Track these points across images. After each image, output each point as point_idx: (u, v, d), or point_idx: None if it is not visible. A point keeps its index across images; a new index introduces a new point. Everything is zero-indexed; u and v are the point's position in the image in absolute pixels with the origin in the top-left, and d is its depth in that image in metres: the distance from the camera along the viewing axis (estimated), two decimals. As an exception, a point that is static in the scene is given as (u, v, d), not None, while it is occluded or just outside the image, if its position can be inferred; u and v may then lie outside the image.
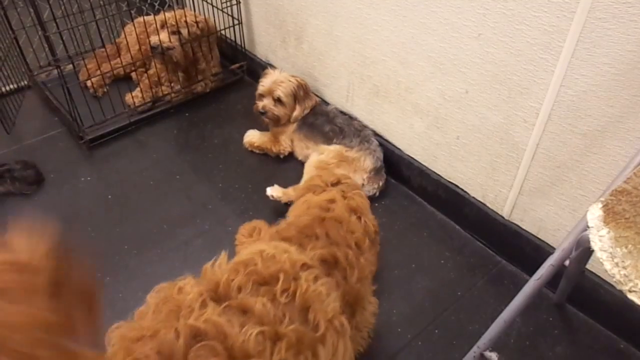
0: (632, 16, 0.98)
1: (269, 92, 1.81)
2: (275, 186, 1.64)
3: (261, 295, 0.76)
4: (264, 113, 1.82)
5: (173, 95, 2.11)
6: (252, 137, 1.89)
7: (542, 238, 1.38)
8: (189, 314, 0.70)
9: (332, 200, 1.09)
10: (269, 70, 1.87)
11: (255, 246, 0.89)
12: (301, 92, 1.81)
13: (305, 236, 0.97)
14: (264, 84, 1.83)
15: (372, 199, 1.67)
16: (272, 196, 1.61)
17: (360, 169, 1.64)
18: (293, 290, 0.78)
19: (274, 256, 0.83)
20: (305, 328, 0.76)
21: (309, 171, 1.63)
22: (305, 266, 0.85)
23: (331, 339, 0.80)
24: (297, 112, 1.82)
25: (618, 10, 0.99)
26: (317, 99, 1.90)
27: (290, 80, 1.80)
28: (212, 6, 2.17)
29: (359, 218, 1.09)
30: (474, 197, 1.53)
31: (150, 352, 0.63)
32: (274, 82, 1.80)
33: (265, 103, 1.82)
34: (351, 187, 1.19)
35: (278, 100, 1.80)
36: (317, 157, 1.67)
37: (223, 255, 0.86)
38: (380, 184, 1.68)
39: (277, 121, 1.84)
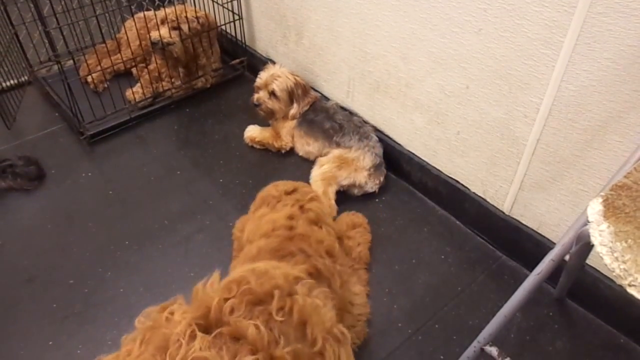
0: (633, 11, 0.98)
1: (265, 85, 1.83)
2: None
3: (256, 316, 0.72)
4: (258, 105, 1.84)
5: (173, 90, 2.11)
6: (253, 132, 1.89)
7: (543, 233, 1.39)
8: (177, 350, 0.66)
9: (292, 217, 1.11)
10: (270, 65, 1.87)
11: (246, 265, 0.87)
12: (299, 90, 1.81)
13: (281, 257, 0.98)
14: (261, 76, 1.85)
15: (372, 195, 1.68)
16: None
17: (360, 167, 1.64)
18: (289, 307, 0.75)
19: (267, 271, 0.81)
20: (303, 345, 0.74)
21: (317, 186, 1.62)
22: (298, 279, 0.83)
23: (331, 349, 0.77)
24: (294, 111, 1.83)
25: (619, 4, 0.99)
26: (317, 94, 1.90)
27: (288, 77, 1.81)
28: (213, 1, 2.17)
29: (321, 227, 1.12)
30: (474, 193, 1.53)
31: None
32: (271, 75, 1.82)
33: (260, 95, 1.84)
34: (306, 193, 1.22)
35: (273, 94, 1.81)
36: (320, 169, 1.66)
37: (215, 274, 0.81)
38: (381, 179, 1.68)
39: (271, 114, 1.86)
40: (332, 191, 1.61)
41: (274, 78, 1.81)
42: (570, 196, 1.27)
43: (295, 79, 1.81)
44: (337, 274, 1.00)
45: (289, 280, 0.81)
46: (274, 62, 2.04)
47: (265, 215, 1.15)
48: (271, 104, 1.82)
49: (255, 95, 1.85)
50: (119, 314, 1.34)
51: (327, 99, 1.91)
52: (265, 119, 1.91)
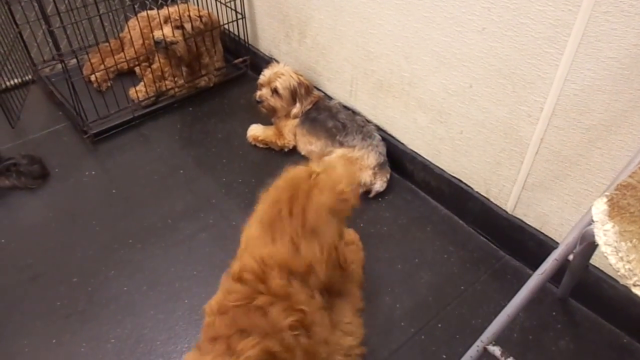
0: (638, 10, 0.97)
1: (268, 83, 1.84)
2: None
3: None
4: (260, 102, 1.85)
5: (176, 89, 2.11)
6: (256, 131, 1.89)
7: (546, 233, 1.38)
8: None
9: (264, 262, 0.95)
10: (274, 63, 1.88)
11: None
12: (302, 90, 1.81)
13: (235, 331, 0.89)
14: (265, 74, 1.86)
15: (378, 194, 1.68)
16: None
17: (365, 166, 1.64)
18: None
19: None
20: None
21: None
22: None
23: None
24: (296, 110, 1.83)
25: (623, 3, 0.98)
26: (320, 94, 1.90)
27: (291, 76, 1.81)
28: (216, 0, 2.17)
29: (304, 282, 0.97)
30: (477, 192, 1.53)
31: None
32: (275, 73, 1.83)
33: (262, 92, 1.85)
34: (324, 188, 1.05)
35: (275, 92, 1.82)
36: None
37: None
38: (387, 177, 1.68)
39: (273, 112, 1.86)
40: None
41: (278, 76, 1.81)
42: (573, 196, 1.27)
43: (298, 78, 1.82)
44: (302, 347, 0.90)
45: None
46: (277, 61, 2.04)
47: (256, 242, 1.01)
48: (273, 101, 1.83)
49: (258, 92, 1.86)
50: (122, 313, 1.35)
51: (330, 98, 1.91)
52: (267, 116, 1.91)
